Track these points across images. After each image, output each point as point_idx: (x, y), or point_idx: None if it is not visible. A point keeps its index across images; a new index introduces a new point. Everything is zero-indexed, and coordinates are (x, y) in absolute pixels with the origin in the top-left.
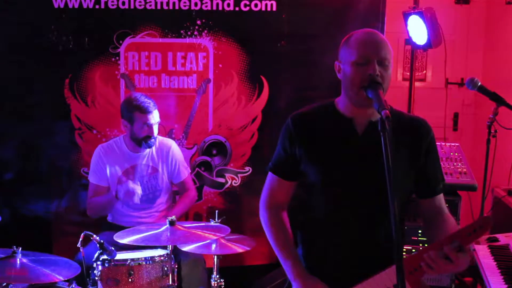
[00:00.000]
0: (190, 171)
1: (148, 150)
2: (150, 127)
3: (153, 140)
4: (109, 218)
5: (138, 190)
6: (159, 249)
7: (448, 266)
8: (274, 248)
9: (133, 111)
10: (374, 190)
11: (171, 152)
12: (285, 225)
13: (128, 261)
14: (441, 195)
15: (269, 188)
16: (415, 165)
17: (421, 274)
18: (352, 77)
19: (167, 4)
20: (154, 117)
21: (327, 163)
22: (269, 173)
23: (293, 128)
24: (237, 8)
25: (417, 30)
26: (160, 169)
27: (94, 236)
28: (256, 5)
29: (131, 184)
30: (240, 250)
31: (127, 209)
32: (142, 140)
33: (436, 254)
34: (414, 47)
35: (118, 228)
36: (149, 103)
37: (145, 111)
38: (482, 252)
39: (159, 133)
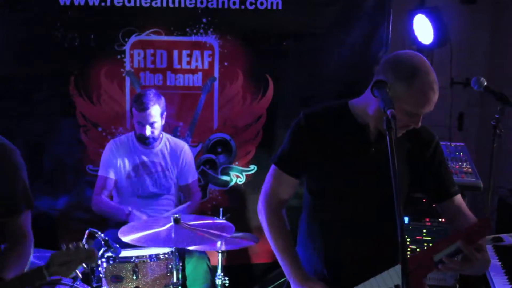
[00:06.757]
0: (197, 176)
1: (159, 147)
2: (142, 125)
3: (149, 140)
4: None
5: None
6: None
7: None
8: (273, 248)
9: (132, 106)
10: (381, 194)
11: (183, 153)
12: (285, 224)
13: (133, 259)
14: (459, 196)
15: (271, 182)
16: (413, 171)
17: (422, 274)
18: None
19: (173, 2)
20: (147, 117)
21: (339, 168)
22: (272, 167)
23: (306, 127)
24: (242, 6)
25: (423, 29)
26: (169, 168)
27: (99, 233)
28: (262, 3)
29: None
30: (244, 246)
31: (134, 200)
32: (138, 137)
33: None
34: (420, 46)
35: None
36: (147, 102)
37: (138, 109)
38: None
39: (164, 131)
